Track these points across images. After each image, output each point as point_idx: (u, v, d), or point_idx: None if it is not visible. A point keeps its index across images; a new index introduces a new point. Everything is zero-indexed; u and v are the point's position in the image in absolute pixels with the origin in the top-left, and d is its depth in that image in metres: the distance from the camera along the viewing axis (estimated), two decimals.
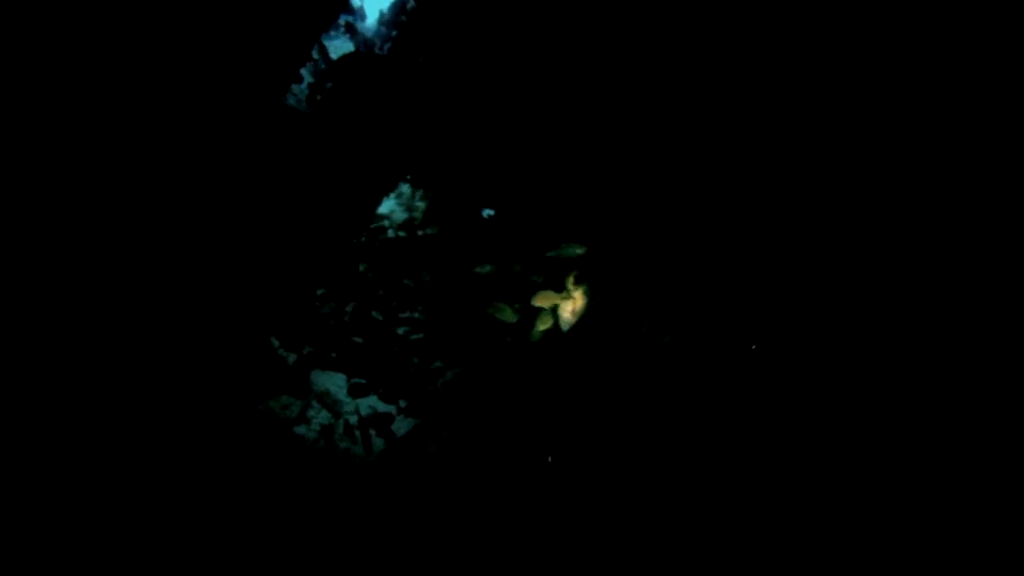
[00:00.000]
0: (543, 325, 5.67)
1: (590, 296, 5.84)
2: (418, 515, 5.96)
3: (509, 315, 6.03)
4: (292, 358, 6.86)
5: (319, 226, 6.85)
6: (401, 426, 6.54)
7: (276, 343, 6.99)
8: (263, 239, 6.46)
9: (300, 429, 6.34)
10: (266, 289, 6.61)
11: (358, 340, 6.83)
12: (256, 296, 6.60)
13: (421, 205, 7.98)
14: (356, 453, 6.26)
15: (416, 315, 7.11)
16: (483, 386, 6.55)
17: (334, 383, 6.92)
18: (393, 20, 8.04)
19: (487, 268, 6.55)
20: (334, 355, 7.04)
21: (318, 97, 6.95)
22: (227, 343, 6.20)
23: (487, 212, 6.87)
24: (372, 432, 6.39)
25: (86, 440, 5.04)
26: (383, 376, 6.60)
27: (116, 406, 5.29)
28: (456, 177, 6.89)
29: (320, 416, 6.60)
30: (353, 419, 6.55)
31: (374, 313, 7.00)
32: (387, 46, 8.02)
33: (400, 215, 7.85)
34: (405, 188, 8.47)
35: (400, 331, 7.24)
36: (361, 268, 7.81)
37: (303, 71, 7.57)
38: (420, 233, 7.62)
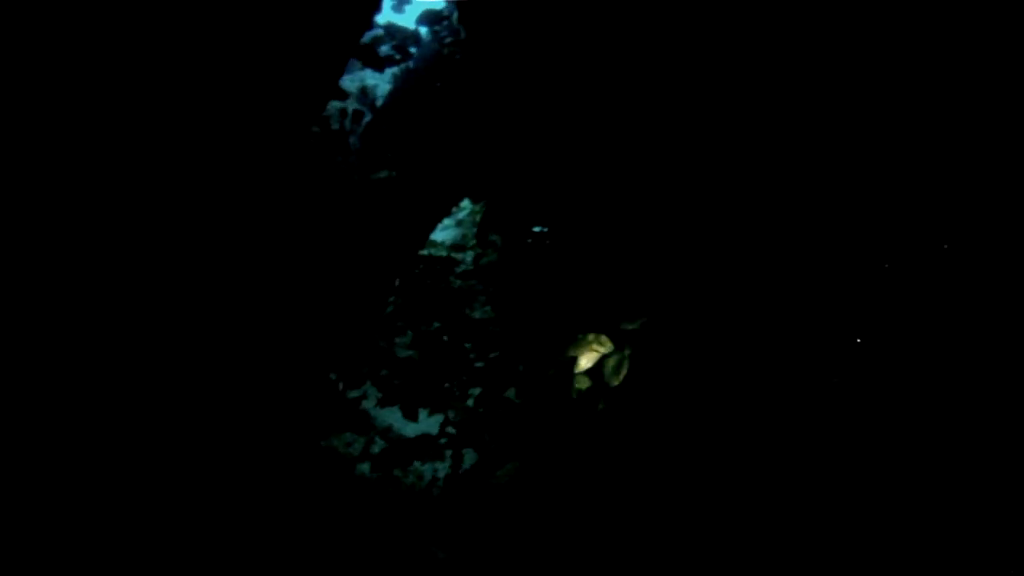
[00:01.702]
0: (581, 384, 5.40)
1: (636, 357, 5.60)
2: (480, 551, 5.71)
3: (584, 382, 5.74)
4: (354, 393, 6.77)
5: (373, 259, 6.77)
6: (466, 459, 6.32)
7: (335, 377, 6.92)
8: (319, 273, 6.42)
9: (364, 467, 6.19)
10: (324, 325, 6.54)
11: (416, 368, 6.68)
12: (315, 333, 6.54)
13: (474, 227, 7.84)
14: (420, 487, 6.06)
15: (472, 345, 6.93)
16: (547, 428, 6.29)
17: (396, 418, 6.77)
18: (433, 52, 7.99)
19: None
20: (396, 382, 6.91)
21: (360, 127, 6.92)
22: (288, 382, 6.14)
23: (538, 228, 6.65)
24: (434, 466, 6.19)
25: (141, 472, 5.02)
26: (444, 404, 6.42)
27: (177, 445, 5.27)
28: (509, 194, 6.72)
29: (382, 450, 6.45)
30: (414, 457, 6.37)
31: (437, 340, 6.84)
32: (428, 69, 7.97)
33: (455, 237, 7.74)
34: (464, 207, 8.38)
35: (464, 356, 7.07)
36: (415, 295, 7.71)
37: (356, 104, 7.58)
38: (475, 256, 7.47)
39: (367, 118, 7.33)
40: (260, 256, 5.84)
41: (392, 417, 6.84)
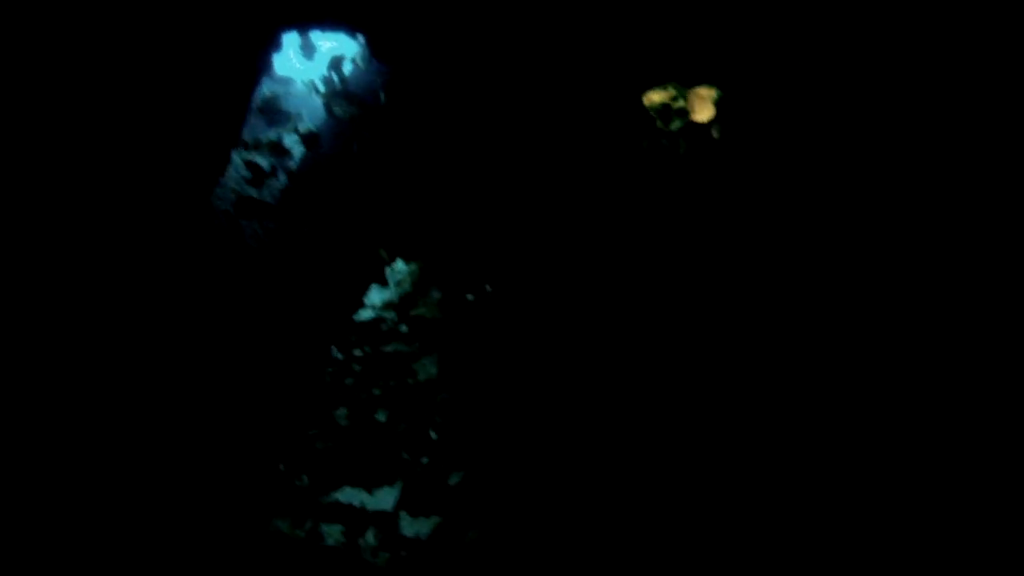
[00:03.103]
0: None
1: None
2: None
3: None
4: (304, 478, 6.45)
5: (300, 330, 6.52)
6: (423, 527, 6.07)
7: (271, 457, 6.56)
8: (237, 351, 6.12)
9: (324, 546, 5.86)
10: (254, 402, 6.22)
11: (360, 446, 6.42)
12: (245, 413, 6.21)
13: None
14: (378, 563, 5.77)
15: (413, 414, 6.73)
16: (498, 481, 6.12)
17: (344, 494, 6.47)
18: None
19: None
20: (341, 463, 6.62)
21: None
22: (221, 477, 5.79)
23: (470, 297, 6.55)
24: (391, 540, 5.92)
25: None
26: (391, 477, 6.18)
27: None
28: (447, 253, 6.62)
29: (333, 529, 6.12)
30: (370, 531, 6.08)
31: (378, 415, 6.59)
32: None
33: (391, 297, 7.55)
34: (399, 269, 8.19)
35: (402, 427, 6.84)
36: (355, 359, 7.46)
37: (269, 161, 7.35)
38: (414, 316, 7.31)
39: (281, 180, 7.14)
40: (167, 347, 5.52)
41: (340, 493, 6.53)
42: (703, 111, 5.15)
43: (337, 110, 7.66)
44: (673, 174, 5.30)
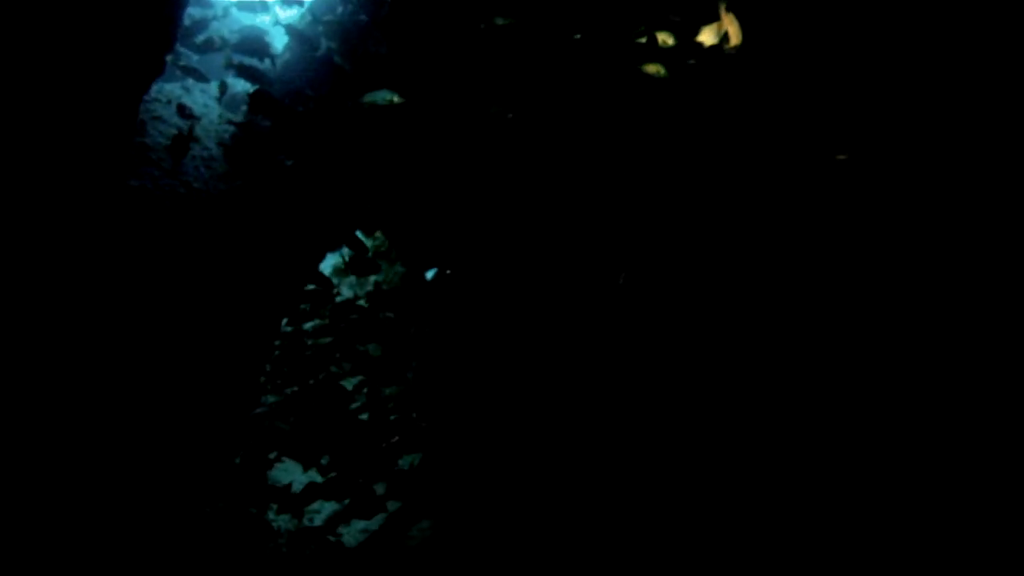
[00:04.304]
0: None
1: None
2: None
3: None
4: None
5: (250, 298, 6.04)
6: (375, 520, 5.80)
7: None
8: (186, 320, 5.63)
9: (271, 544, 5.53)
10: (192, 382, 5.77)
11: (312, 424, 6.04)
12: (183, 392, 5.76)
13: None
14: (328, 554, 5.49)
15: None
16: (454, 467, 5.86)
17: (294, 476, 6.12)
18: (303, 58, 7.07)
19: None
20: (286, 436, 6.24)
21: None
22: (160, 455, 5.35)
23: (430, 273, 6.14)
24: (342, 530, 5.63)
25: None
26: (344, 463, 5.84)
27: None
28: (411, 227, 6.17)
29: (281, 520, 5.79)
30: (319, 518, 5.77)
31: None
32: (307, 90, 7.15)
33: (338, 265, 7.07)
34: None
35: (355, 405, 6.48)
36: (308, 328, 7.01)
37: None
38: (375, 283, 6.88)
39: (217, 120, 6.47)
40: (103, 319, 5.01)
41: (288, 475, 6.19)
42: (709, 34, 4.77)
43: (297, 46, 6.94)
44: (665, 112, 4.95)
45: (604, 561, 5.05)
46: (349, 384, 6.69)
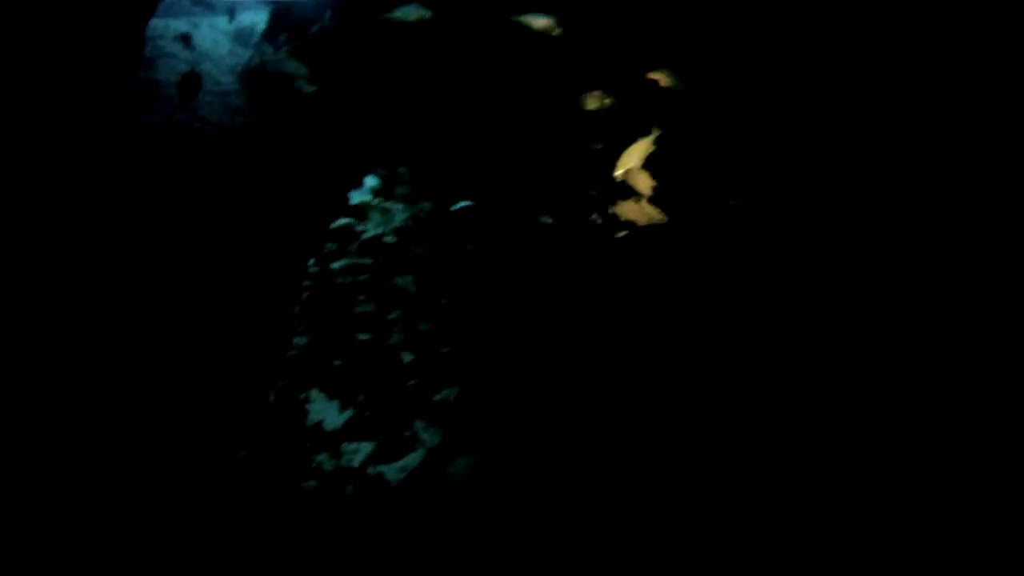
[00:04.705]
0: None
1: None
2: (444, 551, 5.19)
3: None
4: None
5: (277, 237, 5.88)
6: (414, 457, 5.70)
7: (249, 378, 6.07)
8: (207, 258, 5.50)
9: (309, 484, 5.47)
10: (228, 322, 5.66)
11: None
12: (212, 335, 5.66)
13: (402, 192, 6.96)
14: (369, 494, 5.42)
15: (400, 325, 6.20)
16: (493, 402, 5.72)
17: (329, 414, 6.04)
18: None
19: None
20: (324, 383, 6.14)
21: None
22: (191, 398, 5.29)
23: (460, 204, 5.87)
24: (383, 468, 5.55)
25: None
26: (382, 400, 5.74)
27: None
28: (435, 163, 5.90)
29: (320, 459, 5.73)
30: (357, 458, 5.69)
31: (359, 335, 6.07)
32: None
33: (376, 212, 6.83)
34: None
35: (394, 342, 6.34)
36: (337, 268, 6.85)
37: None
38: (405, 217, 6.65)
39: (244, 59, 6.23)
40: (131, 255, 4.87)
41: (323, 412, 6.10)
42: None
43: None
44: None
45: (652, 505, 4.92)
46: (379, 325, 6.54)
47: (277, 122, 5.98)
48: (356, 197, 6.40)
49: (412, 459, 5.60)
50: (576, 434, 5.39)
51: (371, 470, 5.28)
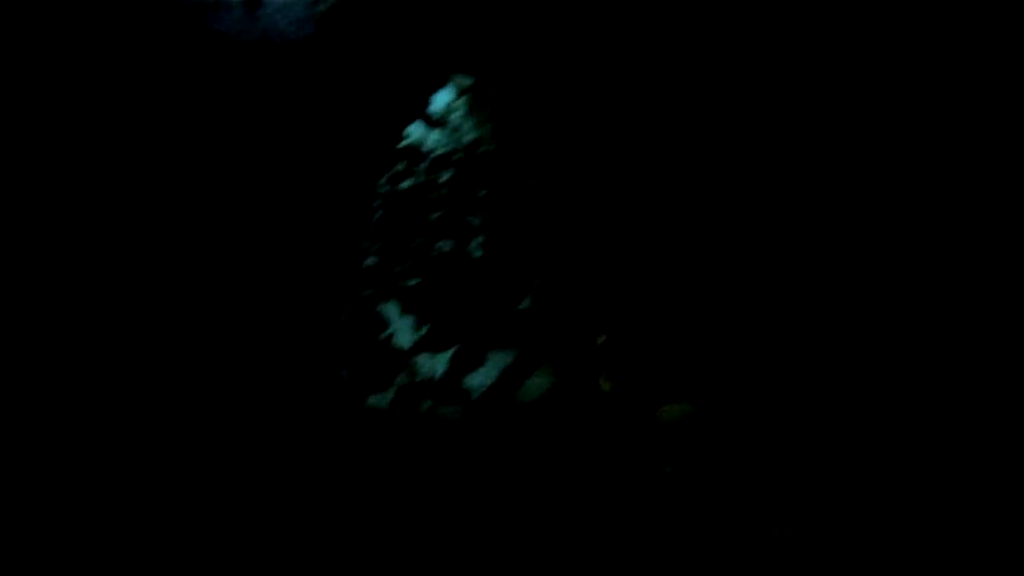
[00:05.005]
0: None
1: None
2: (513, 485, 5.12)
3: None
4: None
5: (342, 155, 5.77)
6: (489, 374, 5.61)
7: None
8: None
9: (373, 400, 5.45)
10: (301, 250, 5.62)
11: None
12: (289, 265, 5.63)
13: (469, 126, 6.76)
14: (443, 415, 5.37)
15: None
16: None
17: (403, 330, 5.98)
18: None
19: None
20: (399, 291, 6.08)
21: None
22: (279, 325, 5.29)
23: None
24: (460, 384, 5.49)
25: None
26: (460, 314, 5.65)
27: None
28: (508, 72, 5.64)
29: (398, 378, 5.70)
30: (439, 369, 5.65)
31: (440, 244, 5.95)
32: None
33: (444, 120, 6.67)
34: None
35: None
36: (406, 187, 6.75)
37: None
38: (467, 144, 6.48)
39: None
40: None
41: (398, 325, 6.06)
42: None
43: None
44: None
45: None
46: (458, 232, 6.41)
47: (342, 34, 5.83)
48: (433, 108, 6.22)
49: (487, 375, 5.51)
50: (661, 361, 5.22)
51: (450, 383, 5.21)
